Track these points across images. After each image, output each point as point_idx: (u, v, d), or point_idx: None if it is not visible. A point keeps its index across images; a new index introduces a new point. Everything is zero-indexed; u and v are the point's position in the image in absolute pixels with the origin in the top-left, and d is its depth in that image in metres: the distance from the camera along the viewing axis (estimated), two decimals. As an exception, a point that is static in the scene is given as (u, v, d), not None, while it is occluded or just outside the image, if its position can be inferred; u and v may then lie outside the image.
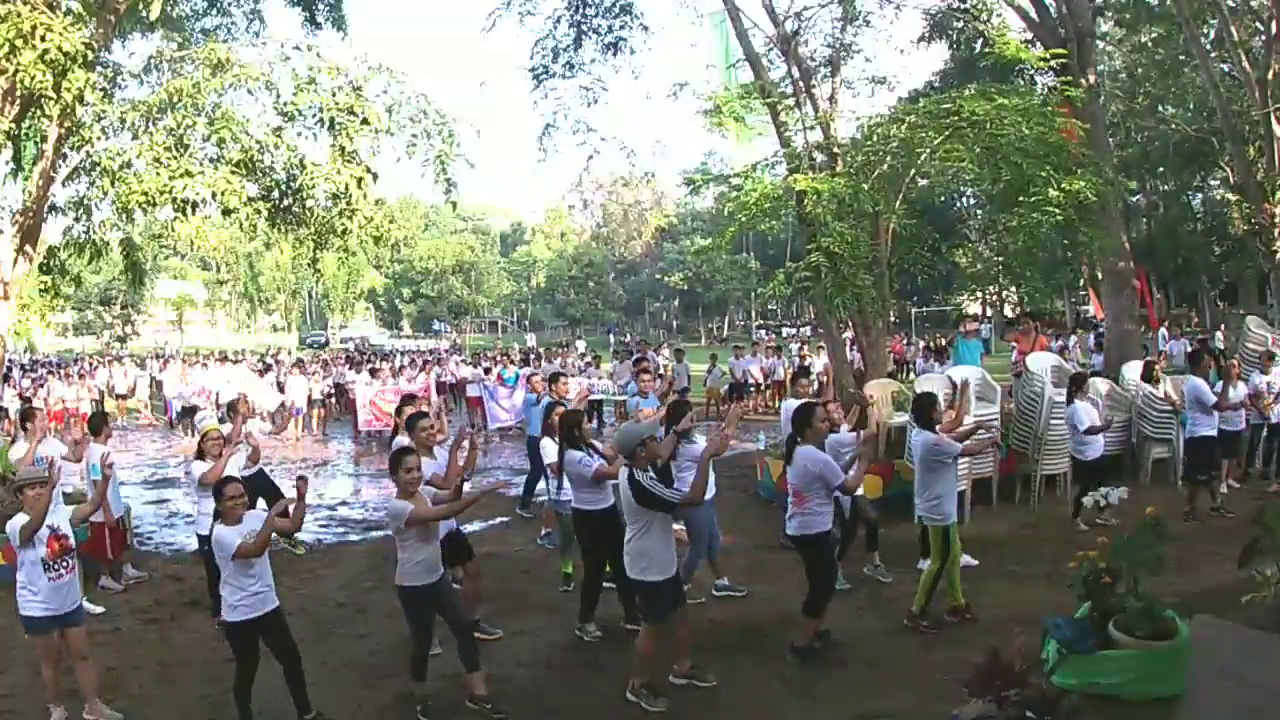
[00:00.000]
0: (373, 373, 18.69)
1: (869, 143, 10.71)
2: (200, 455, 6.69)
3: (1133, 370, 10.17)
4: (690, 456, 6.11)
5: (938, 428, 6.08)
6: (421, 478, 4.98)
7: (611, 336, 56.43)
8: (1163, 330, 18.40)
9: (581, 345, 36.94)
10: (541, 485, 8.78)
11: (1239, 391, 8.95)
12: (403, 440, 6.90)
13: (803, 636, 5.40)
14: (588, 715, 4.92)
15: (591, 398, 13.57)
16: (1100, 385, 9.77)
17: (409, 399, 8.48)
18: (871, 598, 6.47)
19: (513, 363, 19.63)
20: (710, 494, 6.46)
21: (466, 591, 5.96)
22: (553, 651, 5.77)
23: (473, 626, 5.13)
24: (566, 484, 6.29)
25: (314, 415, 18.17)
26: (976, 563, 6.95)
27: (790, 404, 7.55)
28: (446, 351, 37.13)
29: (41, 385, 20.90)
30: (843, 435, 7.00)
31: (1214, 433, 8.47)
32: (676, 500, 4.77)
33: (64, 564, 4.77)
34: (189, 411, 17.98)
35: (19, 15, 6.57)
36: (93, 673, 4.92)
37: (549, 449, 6.60)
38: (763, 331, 52.61)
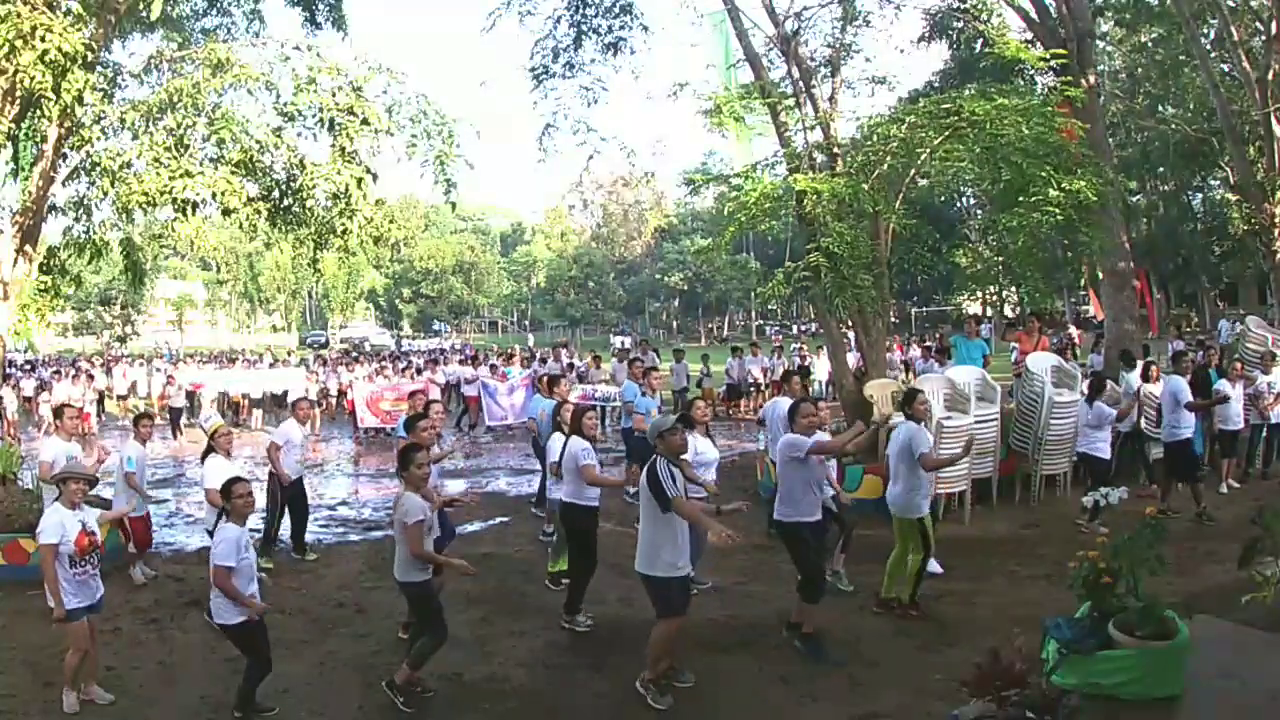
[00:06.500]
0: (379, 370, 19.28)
1: (869, 143, 10.70)
2: (209, 452, 6.66)
3: (1133, 370, 10.16)
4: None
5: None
6: (429, 474, 5.14)
7: (612, 337, 56.22)
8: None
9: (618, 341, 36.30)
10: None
11: (1237, 391, 8.95)
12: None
13: (811, 624, 5.52)
14: (587, 715, 4.91)
15: (591, 402, 13.50)
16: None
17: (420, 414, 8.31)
18: (871, 598, 6.46)
19: (515, 360, 19.98)
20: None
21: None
22: (552, 651, 5.76)
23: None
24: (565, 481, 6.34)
25: None
26: (941, 570, 6.76)
27: (779, 402, 7.66)
28: (449, 350, 36.97)
29: (45, 387, 20.80)
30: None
31: (1190, 433, 8.44)
32: (670, 497, 4.70)
33: (90, 560, 4.96)
34: (176, 412, 18.09)
35: (19, 15, 6.58)
36: (94, 659, 5.17)
37: (554, 446, 6.60)
38: (775, 329, 52.39)
